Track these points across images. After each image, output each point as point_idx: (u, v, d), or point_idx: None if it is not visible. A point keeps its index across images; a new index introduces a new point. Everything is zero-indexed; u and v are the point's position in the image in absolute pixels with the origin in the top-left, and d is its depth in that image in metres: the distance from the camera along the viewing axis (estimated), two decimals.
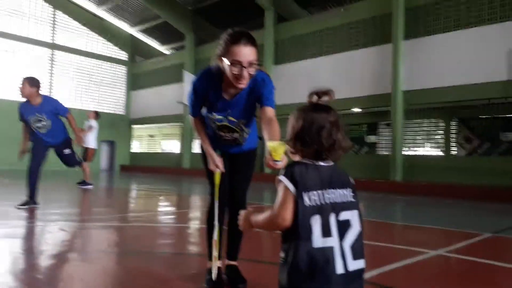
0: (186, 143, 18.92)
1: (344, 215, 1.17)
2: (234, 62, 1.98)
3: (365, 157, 14.56)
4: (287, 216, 1.14)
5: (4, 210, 5.08)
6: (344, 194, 1.20)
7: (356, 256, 1.16)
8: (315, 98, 1.26)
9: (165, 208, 6.56)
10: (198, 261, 3.01)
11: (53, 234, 3.70)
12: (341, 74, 13.29)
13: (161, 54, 22.62)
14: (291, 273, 1.12)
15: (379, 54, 12.51)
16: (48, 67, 19.58)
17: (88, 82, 21.11)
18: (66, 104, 17.40)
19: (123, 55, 22.46)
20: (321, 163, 1.22)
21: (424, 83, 11.47)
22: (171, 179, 14.11)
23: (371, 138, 15.48)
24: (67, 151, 5.55)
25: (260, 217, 1.24)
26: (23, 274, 2.36)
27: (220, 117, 2.22)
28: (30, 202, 5.19)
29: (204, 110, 2.31)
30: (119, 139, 21.43)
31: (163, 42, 22.95)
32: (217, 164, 2.25)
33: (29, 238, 3.46)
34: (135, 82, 22.58)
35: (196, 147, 20.14)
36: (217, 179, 2.30)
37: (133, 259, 2.98)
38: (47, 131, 5.23)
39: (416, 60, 11.65)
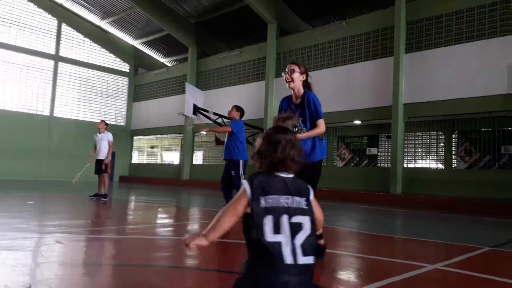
0: (186, 154, 18.92)
1: (297, 219, 1.37)
2: (285, 71, 3.55)
3: (366, 170, 14.53)
4: (239, 208, 1.38)
5: (3, 221, 5.07)
6: (299, 201, 1.40)
7: (305, 253, 1.34)
8: (280, 121, 1.53)
9: (163, 221, 6.54)
10: (194, 275, 2.99)
11: (49, 246, 3.68)
12: (342, 87, 13.35)
13: (164, 66, 22.80)
14: (248, 261, 1.35)
15: (380, 67, 12.58)
16: (52, 79, 19.74)
17: (90, 93, 21.26)
18: (69, 114, 17.21)
19: (125, 67, 22.64)
20: (282, 174, 1.43)
21: (425, 96, 11.50)
22: (170, 191, 14.08)
23: (372, 151, 15.48)
24: (232, 172, 5.81)
25: (213, 221, 1.43)
26: None
27: None
28: None
29: None
30: (119, 150, 21.47)
31: (165, 54, 23.15)
32: None
33: (25, 251, 3.45)
34: (137, 93, 22.71)
35: (196, 159, 20.14)
36: None
37: (129, 272, 2.96)
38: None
39: (417, 73, 11.70)
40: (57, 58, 19.90)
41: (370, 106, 12.68)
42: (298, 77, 3.46)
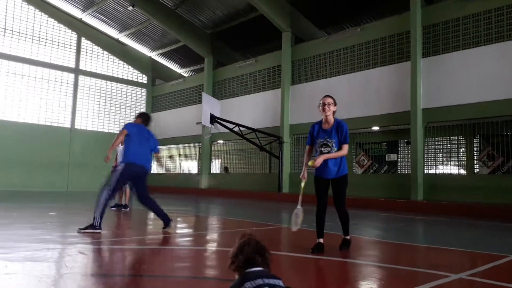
0: (204, 163, 19.04)
1: (274, 281, 1.69)
2: (320, 103, 4.44)
3: (386, 176, 14.33)
4: None
5: (26, 232, 5.20)
6: (274, 282, 1.68)
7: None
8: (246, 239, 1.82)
9: (182, 230, 6.58)
10: (214, 285, 3.00)
11: (72, 257, 3.75)
12: (359, 93, 13.26)
13: (181, 76, 23.11)
14: None
15: (397, 72, 12.46)
16: (72, 91, 20.24)
17: (110, 105, 21.70)
18: (89, 126, 17.72)
19: (143, 78, 23.04)
20: (256, 268, 1.74)
21: (444, 101, 11.32)
22: (189, 200, 14.17)
23: (391, 157, 15.27)
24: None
25: None
26: None
27: (322, 139, 4.38)
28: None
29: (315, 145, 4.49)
30: None
31: (182, 65, 23.48)
32: (304, 176, 4.43)
33: (49, 262, 3.52)
34: (155, 104, 23.06)
35: (214, 168, 20.26)
36: (302, 186, 4.38)
37: (150, 283, 2.99)
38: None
39: (435, 77, 11.54)
40: (77, 71, 20.41)
41: (388, 111, 12.54)
42: (332, 109, 4.42)
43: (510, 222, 8.28)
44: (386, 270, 3.58)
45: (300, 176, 4.48)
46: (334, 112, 4.48)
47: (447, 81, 11.32)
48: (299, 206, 4.35)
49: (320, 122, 4.52)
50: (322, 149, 4.35)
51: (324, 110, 4.38)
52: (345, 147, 4.33)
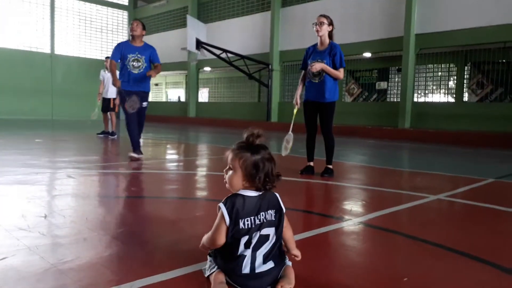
0: (191, 92, 18.75)
1: (266, 231, 1.51)
2: (314, 23, 4.30)
3: (375, 105, 14.39)
4: (221, 240, 1.49)
5: (14, 158, 5.19)
6: (270, 214, 1.52)
7: (266, 261, 1.50)
8: (251, 139, 1.48)
9: (171, 156, 6.65)
10: (204, 205, 3.08)
11: (61, 180, 3.78)
12: (351, 17, 12.77)
13: None
14: (223, 264, 1.52)
15: None
16: (49, 13, 19.06)
17: (90, 29, 20.63)
18: (70, 52, 17.01)
19: (124, 0, 21.69)
20: (251, 194, 1.49)
21: (438, 26, 11.01)
22: (177, 128, 14.19)
23: (382, 85, 15.20)
24: (145, 103, 5.57)
25: (204, 239, 1.60)
26: (34, 218, 2.44)
27: (314, 61, 4.29)
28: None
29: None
30: None
31: None
32: (297, 102, 4.49)
33: (39, 185, 3.55)
34: None
35: (200, 97, 20.03)
36: (295, 113, 4.50)
37: (140, 203, 3.06)
38: (138, 73, 5.49)
39: (430, 1, 11.09)
40: None
41: (381, 37, 12.22)
42: (325, 28, 4.27)
43: (494, 149, 8.55)
44: (367, 192, 3.72)
45: (293, 101, 4.50)
46: (331, 34, 4.33)
47: (443, 4, 10.91)
48: (290, 132, 4.44)
49: (315, 45, 4.45)
50: (314, 69, 4.34)
51: (316, 30, 4.28)
52: (342, 71, 4.27)
